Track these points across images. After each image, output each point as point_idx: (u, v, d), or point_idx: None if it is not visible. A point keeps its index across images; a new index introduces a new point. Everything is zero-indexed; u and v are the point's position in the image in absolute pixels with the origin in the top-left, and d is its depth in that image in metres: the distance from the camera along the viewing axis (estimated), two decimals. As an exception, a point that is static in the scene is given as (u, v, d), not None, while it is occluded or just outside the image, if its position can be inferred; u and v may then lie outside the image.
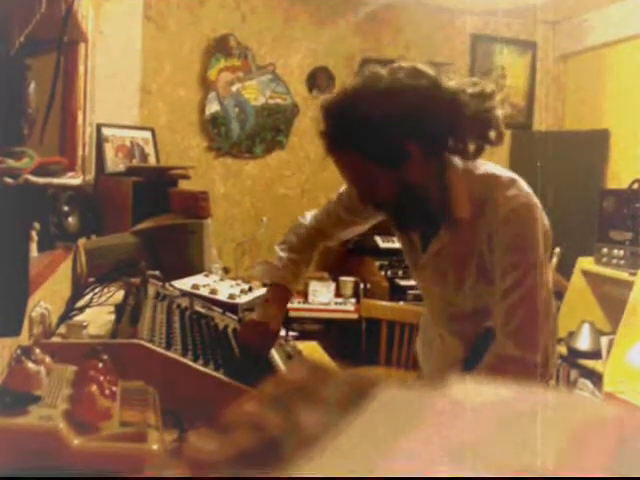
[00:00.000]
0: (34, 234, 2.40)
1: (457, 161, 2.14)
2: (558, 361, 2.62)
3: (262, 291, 3.51)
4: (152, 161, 5.57)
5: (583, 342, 5.63)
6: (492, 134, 2.10)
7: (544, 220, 2.16)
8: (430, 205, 2.16)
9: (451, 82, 2.09)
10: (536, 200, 2.12)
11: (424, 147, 2.04)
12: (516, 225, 2.08)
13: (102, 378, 1.54)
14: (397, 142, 2.01)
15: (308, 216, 2.73)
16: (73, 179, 2.68)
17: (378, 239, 6.08)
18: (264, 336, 2.45)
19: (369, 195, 2.19)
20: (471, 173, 2.14)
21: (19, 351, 1.52)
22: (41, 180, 2.21)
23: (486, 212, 2.09)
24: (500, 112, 2.11)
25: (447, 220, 2.17)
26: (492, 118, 2.10)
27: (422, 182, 2.09)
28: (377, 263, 6.10)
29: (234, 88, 6.54)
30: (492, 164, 2.20)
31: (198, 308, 2.69)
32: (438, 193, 2.14)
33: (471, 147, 2.10)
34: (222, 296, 3.15)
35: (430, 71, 2.07)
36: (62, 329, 2.44)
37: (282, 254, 2.64)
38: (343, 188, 2.58)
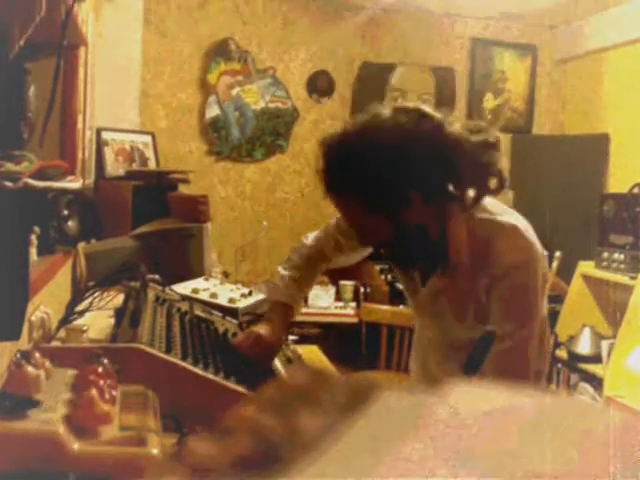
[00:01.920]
0: (34, 238, 2.40)
1: (457, 210, 2.10)
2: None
3: (262, 295, 3.51)
4: (152, 165, 5.57)
5: (583, 346, 5.63)
6: (493, 183, 2.07)
7: (543, 262, 2.13)
8: (428, 246, 2.13)
9: (454, 127, 2.05)
10: (538, 249, 2.10)
11: (424, 194, 2.00)
12: (517, 278, 2.06)
13: (102, 382, 1.54)
14: (397, 190, 1.99)
15: (310, 237, 2.69)
16: (73, 183, 2.68)
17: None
18: (265, 351, 2.44)
19: (367, 238, 2.21)
20: (472, 217, 2.10)
21: (19, 355, 1.52)
22: (41, 184, 2.20)
23: (486, 259, 2.07)
24: (503, 162, 2.08)
25: (444, 264, 2.15)
26: (494, 168, 2.07)
27: (420, 225, 2.07)
28: (377, 267, 6.11)
29: (234, 92, 6.54)
30: (495, 202, 2.17)
31: (198, 312, 2.69)
32: (437, 234, 2.11)
33: (470, 194, 2.06)
34: (222, 300, 3.15)
35: (434, 114, 2.04)
36: (62, 333, 2.43)
37: (284, 273, 2.62)
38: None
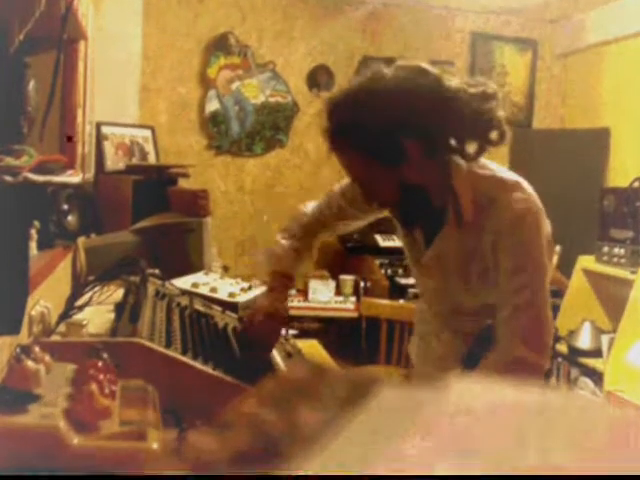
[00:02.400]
0: (34, 232, 2.40)
1: (461, 162, 2.14)
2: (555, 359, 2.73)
3: (262, 290, 3.51)
4: (152, 159, 5.57)
5: (584, 341, 5.63)
6: (494, 135, 2.10)
7: (547, 226, 2.18)
8: (433, 205, 2.18)
9: (453, 81, 2.10)
10: (540, 204, 2.15)
11: (424, 146, 2.05)
12: (522, 230, 2.09)
13: (102, 377, 1.54)
14: (397, 141, 2.02)
15: (310, 205, 2.73)
16: (73, 177, 2.68)
17: (378, 238, 6.08)
18: (274, 324, 2.48)
19: (372, 195, 2.22)
20: (475, 174, 2.14)
21: (19, 350, 1.52)
22: (40, 178, 2.20)
23: (490, 215, 2.10)
24: (502, 113, 2.11)
25: (450, 221, 2.18)
26: (493, 118, 2.10)
27: (424, 182, 2.12)
28: (377, 261, 6.10)
29: (234, 86, 6.54)
30: (496, 165, 2.21)
31: (198, 307, 2.69)
32: (442, 193, 2.15)
33: (472, 148, 2.11)
34: (222, 294, 3.15)
35: (433, 70, 2.09)
36: (62, 328, 2.44)
37: (283, 242, 2.65)
38: (346, 181, 2.55)
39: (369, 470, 0.38)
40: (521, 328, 2.09)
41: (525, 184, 2.15)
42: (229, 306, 2.98)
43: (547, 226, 2.17)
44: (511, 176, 2.17)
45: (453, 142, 2.11)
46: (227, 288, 3.29)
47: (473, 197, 2.13)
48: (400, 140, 2.03)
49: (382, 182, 2.12)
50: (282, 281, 2.59)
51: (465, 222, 2.15)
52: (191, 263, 3.81)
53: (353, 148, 2.10)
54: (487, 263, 2.15)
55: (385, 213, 2.46)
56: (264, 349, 2.42)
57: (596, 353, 5.49)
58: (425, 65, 2.10)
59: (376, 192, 2.19)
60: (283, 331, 2.75)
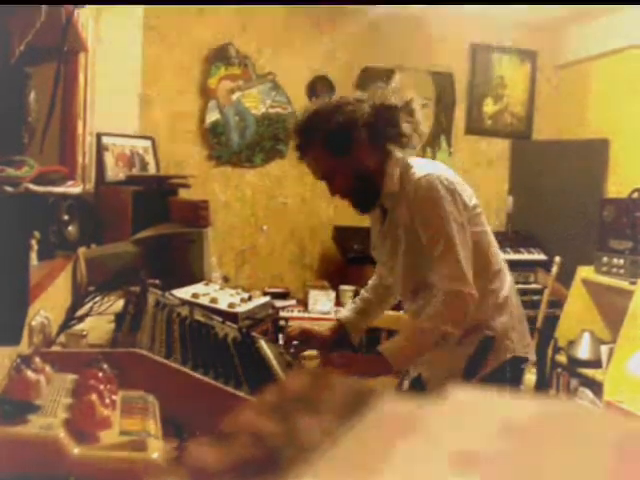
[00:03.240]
0: (34, 243, 2.40)
1: (397, 154, 2.82)
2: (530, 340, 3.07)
3: (262, 300, 3.52)
4: (152, 170, 5.58)
5: (583, 351, 5.64)
6: (410, 127, 2.81)
7: (451, 188, 2.70)
8: (377, 187, 2.81)
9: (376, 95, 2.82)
10: (441, 176, 2.71)
11: (369, 138, 2.74)
12: (420, 195, 2.67)
13: (102, 387, 1.54)
14: (348, 134, 2.71)
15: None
16: (73, 188, 2.68)
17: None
18: (309, 337, 3.09)
19: (334, 186, 2.84)
20: (399, 161, 2.81)
21: (19, 360, 1.52)
22: (41, 189, 2.21)
23: (403, 188, 2.74)
24: (405, 125, 2.79)
25: (383, 195, 2.82)
26: (412, 112, 2.81)
27: (370, 168, 2.78)
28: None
29: (234, 97, 6.55)
30: (419, 159, 2.90)
31: (198, 317, 2.69)
32: (381, 177, 2.80)
33: (400, 138, 2.80)
34: (222, 305, 3.15)
35: (364, 94, 2.84)
36: (62, 338, 2.44)
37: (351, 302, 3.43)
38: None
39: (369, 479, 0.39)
40: (445, 271, 2.63)
41: (433, 166, 2.81)
42: (229, 316, 2.98)
43: (451, 190, 2.69)
44: (423, 162, 2.86)
45: (386, 136, 2.79)
46: (227, 298, 3.29)
47: (395, 175, 2.78)
48: (348, 134, 2.71)
49: (341, 171, 2.76)
50: (335, 326, 3.21)
51: (392, 194, 2.79)
52: (191, 273, 3.81)
53: (315, 148, 2.76)
54: (415, 244, 2.72)
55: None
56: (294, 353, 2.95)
57: (595, 363, 5.49)
58: (358, 93, 2.87)
59: (337, 181, 2.80)
60: (282, 341, 2.94)
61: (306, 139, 2.80)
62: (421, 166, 2.78)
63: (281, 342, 2.99)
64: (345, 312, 3.27)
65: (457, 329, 2.60)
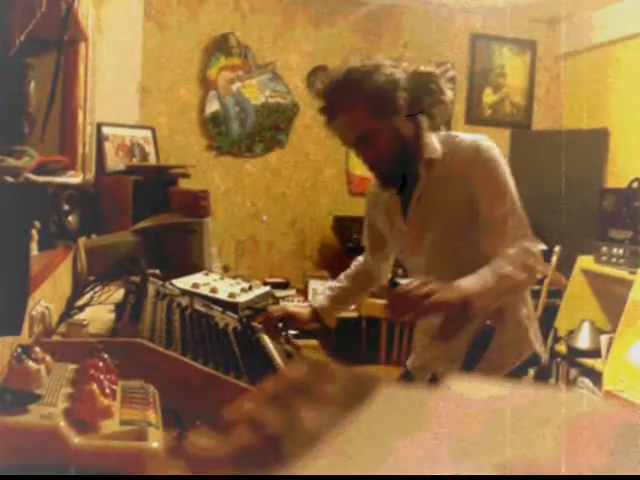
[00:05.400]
0: (34, 233, 2.40)
1: (427, 125, 2.60)
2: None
3: (262, 290, 3.52)
4: (152, 160, 5.57)
5: (583, 341, 5.64)
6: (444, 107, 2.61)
7: (499, 152, 2.59)
8: (411, 159, 2.58)
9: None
10: (493, 144, 2.58)
11: (406, 104, 2.50)
12: (477, 161, 2.52)
13: (102, 377, 1.55)
14: (389, 94, 2.48)
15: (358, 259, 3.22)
16: (73, 178, 2.68)
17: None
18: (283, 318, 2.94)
19: (370, 151, 2.56)
20: (436, 135, 2.62)
21: (19, 350, 1.52)
22: (41, 179, 2.21)
23: (449, 154, 2.57)
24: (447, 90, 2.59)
25: (421, 163, 2.59)
26: (437, 88, 2.58)
27: (409, 134, 2.54)
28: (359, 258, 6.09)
29: (234, 87, 6.53)
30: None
31: (198, 307, 2.70)
32: (416, 150, 2.58)
33: (434, 110, 2.58)
34: (222, 295, 3.15)
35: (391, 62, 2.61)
36: (62, 328, 2.44)
37: (330, 284, 3.26)
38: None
39: (371, 469, 0.39)
40: (513, 230, 2.47)
41: (480, 137, 2.60)
42: (229, 306, 2.98)
43: (499, 153, 2.59)
44: (467, 134, 2.65)
45: (421, 106, 2.56)
46: (227, 288, 3.29)
47: (435, 144, 2.60)
48: (391, 94, 2.48)
49: (379, 135, 2.51)
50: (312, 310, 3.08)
51: (433, 162, 2.58)
52: (191, 263, 3.81)
53: (354, 107, 2.50)
54: (460, 213, 2.54)
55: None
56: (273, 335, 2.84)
57: (595, 353, 5.49)
58: (382, 61, 2.59)
59: (374, 145, 2.53)
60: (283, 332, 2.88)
61: (342, 98, 2.53)
62: (466, 135, 2.63)
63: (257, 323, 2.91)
64: (320, 299, 3.16)
65: (531, 284, 2.55)
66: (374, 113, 2.49)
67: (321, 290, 3.33)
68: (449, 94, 2.59)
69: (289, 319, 2.97)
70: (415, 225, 2.66)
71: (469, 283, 2.27)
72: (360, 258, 3.19)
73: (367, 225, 3.03)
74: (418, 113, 2.56)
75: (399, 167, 2.59)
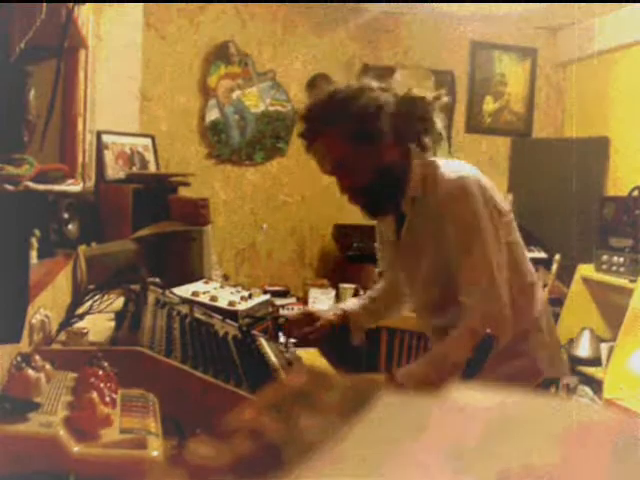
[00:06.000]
0: (34, 241, 2.40)
1: (417, 153, 2.50)
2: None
3: (262, 298, 3.52)
4: (152, 168, 5.57)
5: (583, 349, 5.64)
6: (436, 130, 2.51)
7: (485, 194, 2.42)
8: (397, 188, 2.50)
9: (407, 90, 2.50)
10: (475, 178, 2.43)
11: (394, 131, 2.42)
12: (452, 201, 2.39)
13: (102, 385, 1.54)
14: (372, 121, 2.38)
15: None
16: (73, 186, 2.68)
17: (378, 246, 6.07)
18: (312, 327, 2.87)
19: (347, 181, 2.51)
20: (423, 161, 2.50)
21: (19, 358, 1.52)
22: (41, 187, 2.21)
23: (430, 192, 2.44)
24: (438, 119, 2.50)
25: (405, 199, 2.51)
26: (428, 116, 2.49)
27: (392, 164, 2.44)
28: (377, 270, 6.09)
29: (234, 95, 6.54)
30: (443, 158, 2.59)
31: (198, 315, 2.69)
32: (403, 178, 2.48)
33: (423, 138, 2.49)
34: (222, 303, 3.15)
35: (383, 83, 2.50)
36: (62, 336, 2.43)
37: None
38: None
39: (370, 477, 0.39)
40: (474, 287, 2.34)
41: (461, 166, 2.50)
42: (229, 314, 2.98)
43: (486, 196, 2.41)
44: (451, 162, 2.54)
45: (413, 131, 2.48)
46: (227, 297, 3.29)
47: (419, 178, 2.48)
48: (372, 121, 2.38)
49: (357, 163, 2.43)
50: (337, 313, 3.01)
51: (414, 200, 2.48)
52: (191, 271, 3.81)
53: (331, 134, 2.43)
54: (442, 239, 2.43)
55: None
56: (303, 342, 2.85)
57: (595, 361, 5.49)
58: (368, 84, 2.47)
59: (351, 174, 2.47)
60: (282, 339, 2.85)
61: (319, 123, 2.45)
62: (450, 166, 2.48)
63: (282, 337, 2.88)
64: (351, 304, 3.06)
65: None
66: (352, 138, 2.40)
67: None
68: (439, 124, 2.51)
69: (310, 318, 2.95)
70: (406, 257, 2.64)
71: (404, 372, 2.39)
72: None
73: (379, 236, 2.97)
74: (405, 140, 2.48)
75: (379, 200, 2.53)
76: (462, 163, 2.55)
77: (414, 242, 2.54)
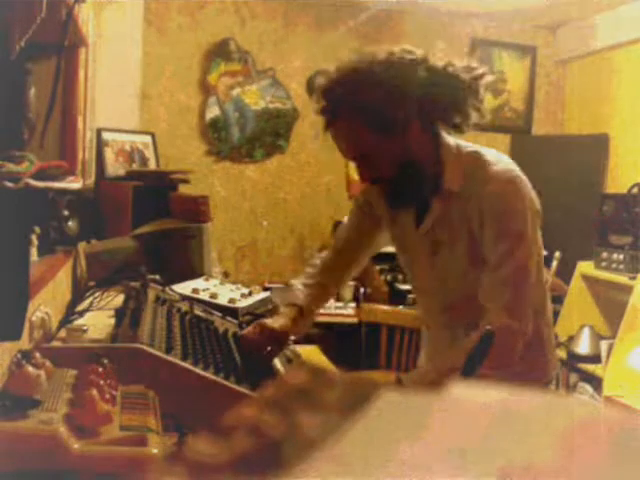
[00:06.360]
0: (34, 238, 2.40)
1: (449, 139, 2.27)
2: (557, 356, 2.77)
3: (262, 295, 3.51)
4: (152, 165, 5.57)
5: (583, 346, 5.64)
6: (474, 116, 2.26)
7: (531, 195, 2.23)
8: (425, 180, 2.25)
9: (439, 62, 2.31)
10: (523, 176, 2.22)
11: (421, 118, 2.17)
12: (503, 198, 2.17)
13: (102, 382, 1.54)
14: (395, 110, 2.12)
15: (324, 253, 2.78)
16: (73, 183, 2.69)
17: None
18: (269, 342, 2.40)
19: (370, 169, 2.25)
20: (460, 150, 2.26)
21: (19, 355, 1.52)
22: (41, 184, 2.21)
23: (474, 187, 2.20)
24: (483, 90, 2.28)
25: (439, 192, 2.25)
26: (479, 90, 2.27)
27: (420, 155, 2.20)
28: (377, 267, 6.10)
29: (234, 93, 6.54)
30: (479, 146, 2.32)
31: (198, 312, 2.69)
32: (432, 168, 2.23)
33: (457, 119, 2.23)
34: (222, 300, 3.15)
35: (418, 51, 2.26)
36: (62, 333, 2.44)
37: (294, 281, 2.65)
38: (351, 212, 2.69)
39: (370, 475, 0.39)
40: (506, 298, 2.15)
41: (506, 158, 2.27)
42: (229, 312, 2.98)
43: (532, 197, 2.22)
44: (493, 152, 2.29)
45: (443, 116, 2.23)
46: (227, 294, 3.29)
47: (459, 169, 2.23)
48: (401, 108, 2.12)
49: (382, 154, 2.17)
50: (291, 309, 2.54)
51: (452, 193, 2.22)
52: (191, 269, 3.81)
53: (350, 120, 2.16)
54: (474, 239, 2.22)
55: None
56: (257, 360, 2.35)
57: (595, 359, 5.49)
58: (409, 46, 2.24)
59: (374, 166, 2.22)
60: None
61: (338, 105, 2.17)
62: (496, 159, 2.24)
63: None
64: (302, 296, 2.57)
65: (499, 373, 2.09)
66: (375, 126, 2.13)
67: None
68: (482, 106, 2.26)
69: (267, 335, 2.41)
70: (423, 245, 2.37)
71: (410, 376, 2.28)
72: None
73: (358, 209, 2.64)
74: (437, 128, 2.24)
75: (404, 192, 2.28)
76: (502, 155, 2.32)
77: (438, 234, 2.30)
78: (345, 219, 2.77)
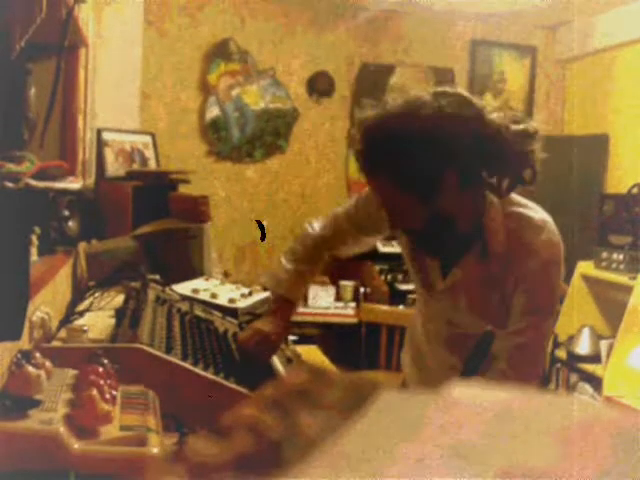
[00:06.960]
0: (34, 238, 2.40)
1: (493, 197, 2.11)
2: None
3: (262, 295, 3.51)
4: (152, 165, 5.57)
5: (583, 346, 5.64)
6: (527, 173, 2.11)
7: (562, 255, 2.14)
8: (458, 235, 2.12)
9: (494, 115, 2.04)
10: (561, 244, 2.12)
11: (461, 178, 1.98)
12: (545, 274, 2.09)
13: (102, 382, 1.54)
14: (434, 172, 1.96)
15: (315, 225, 2.72)
16: (73, 183, 2.69)
17: (378, 243, 6.07)
18: (264, 346, 2.40)
19: (399, 221, 2.15)
20: (505, 211, 2.12)
21: (19, 355, 1.52)
22: (41, 184, 2.21)
23: (517, 252, 2.08)
24: (539, 153, 2.15)
25: (474, 253, 2.14)
26: (531, 158, 2.12)
27: (454, 213, 2.06)
28: (377, 267, 6.10)
29: (234, 93, 6.54)
30: (522, 199, 2.18)
31: (198, 312, 2.70)
32: (469, 224, 2.11)
33: (504, 183, 2.07)
34: (222, 300, 3.15)
35: (475, 101, 2.04)
36: (62, 333, 2.43)
37: (288, 266, 2.58)
38: (351, 203, 2.55)
39: (370, 475, 0.39)
40: (518, 363, 2.10)
41: (551, 223, 2.14)
42: (229, 312, 2.98)
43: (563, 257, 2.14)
44: (539, 215, 2.15)
45: (488, 176, 2.07)
46: (227, 294, 3.28)
47: (501, 232, 2.10)
48: (439, 171, 1.96)
49: (412, 211, 2.03)
50: (283, 308, 2.52)
51: (494, 256, 2.10)
52: (191, 269, 3.81)
53: (387, 175, 2.01)
54: (504, 300, 2.12)
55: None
56: (257, 364, 2.34)
57: (595, 358, 5.49)
58: (467, 95, 2.04)
59: (404, 219, 2.11)
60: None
61: (375, 158, 2.02)
62: (540, 220, 2.12)
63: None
64: (293, 288, 2.55)
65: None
66: (414, 191, 1.99)
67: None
68: (534, 164, 2.15)
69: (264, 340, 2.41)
70: (446, 290, 2.26)
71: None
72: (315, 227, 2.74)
73: (362, 203, 2.48)
74: (482, 189, 2.10)
75: (432, 243, 2.16)
76: (544, 213, 2.18)
77: (459, 287, 2.21)
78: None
